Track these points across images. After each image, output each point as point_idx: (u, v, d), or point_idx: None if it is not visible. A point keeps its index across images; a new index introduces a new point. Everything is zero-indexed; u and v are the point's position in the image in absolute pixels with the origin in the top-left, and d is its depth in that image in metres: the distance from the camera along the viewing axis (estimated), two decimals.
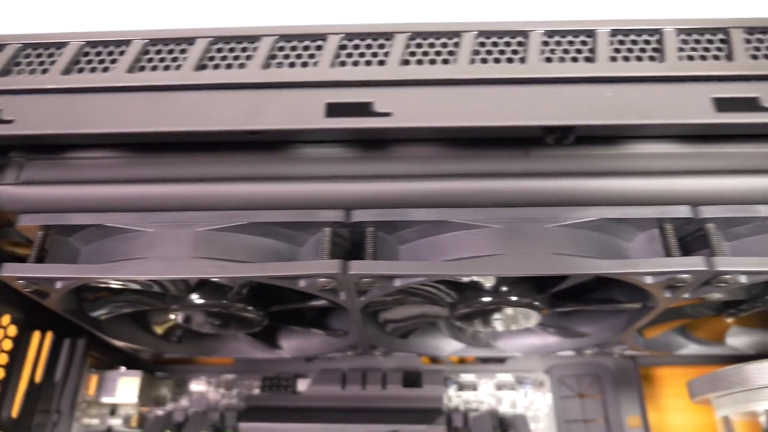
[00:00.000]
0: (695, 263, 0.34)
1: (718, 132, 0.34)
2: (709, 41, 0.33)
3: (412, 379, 0.53)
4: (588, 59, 0.33)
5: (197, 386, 0.56)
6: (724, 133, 0.35)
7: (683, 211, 0.36)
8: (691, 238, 0.38)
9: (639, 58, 0.33)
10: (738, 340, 0.52)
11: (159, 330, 0.50)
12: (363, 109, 0.31)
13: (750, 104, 0.31)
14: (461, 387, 0.56)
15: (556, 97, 0.31)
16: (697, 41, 0.33)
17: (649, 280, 0.35)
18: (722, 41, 0.33)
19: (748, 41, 0.33)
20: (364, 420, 0.50)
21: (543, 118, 0.31)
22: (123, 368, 0.54)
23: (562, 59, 0.33)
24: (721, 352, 0.53)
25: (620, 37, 0.34)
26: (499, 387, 0.56)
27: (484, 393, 0.56)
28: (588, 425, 0.54)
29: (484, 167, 0.35)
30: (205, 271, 0.34)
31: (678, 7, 0.37)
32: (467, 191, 0.35)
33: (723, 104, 0.31)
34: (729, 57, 0.33)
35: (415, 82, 0.32)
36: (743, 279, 0.35)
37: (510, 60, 0.33)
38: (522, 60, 0.32)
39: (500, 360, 0.57)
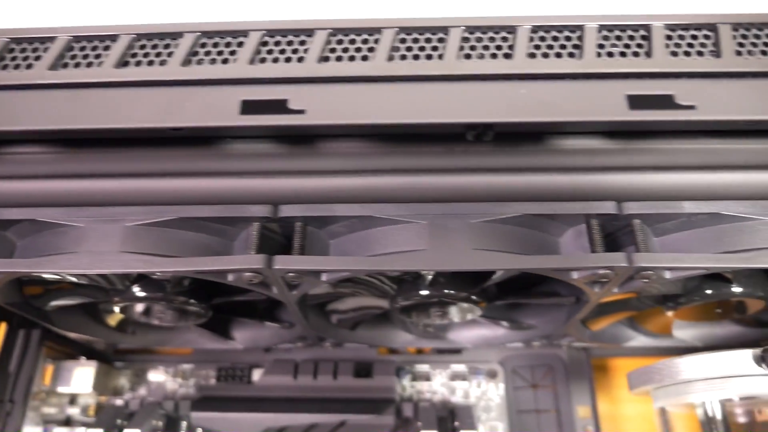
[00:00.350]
0: (616, 259, 0.34)
1: (641, 128, 0.35)
2: (630, 37, 0.33)
3: (363, 369, 0.53)
4: (507, 56, 0.33)
5: (155, 376, 0.57)
6: (647, 129, 0.35)
7: (608, 207, 0.36)
8: (622, 233, 0.38)
9: (559, 55, 0.33)
10: (685, 332, 0.52)
11: (112, 321, 0.51)
12: (278, 107, 0.31)
13: (664, 102, 0.31)
14: (415, 377, 0.56)
15: (474, 94, 0.32)
16: (618, 38, 0.33)
17: (575, 275, 0.36)
18: (643, 38, 0.33)
19: (669, 38, 0.33)
20: (314, 410, 0.51)
21: (460, 115, 0.31)
22: (83, 358, 0.55)
23: (481, 56, 0.33)
24: (670, 344, 0.54)
25: (541, 34, 0.34)
26: (453, 377, 0.56)
27: (437, 383, 0.56)
28: (540, 415, 0.55)
29: (409, 163, 0.35)
30: (131, 266, 0.35)
31: (601, 3, 0.37)
32: (393, 187, 0.35)
33: (637, 102, 0.31)
34: (648, 54, 0.33)
35: (333, 79, 0.32)
36: (668, 275, 0.36)
37: (429, 57, 0.33)
38: (440, 57, 0.33)
39: (456, 351, 0.57)
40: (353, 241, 0.37)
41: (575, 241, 0.37)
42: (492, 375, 0.57)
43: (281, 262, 0.34)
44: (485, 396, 0.56)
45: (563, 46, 0.33)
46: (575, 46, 0.33)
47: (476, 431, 0.46)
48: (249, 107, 0.31)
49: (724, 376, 0.38)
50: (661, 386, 0.42)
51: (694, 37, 0.34)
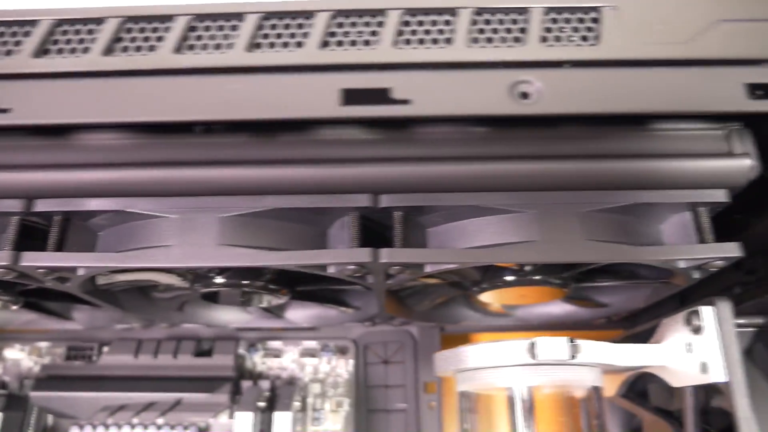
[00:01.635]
0: (361, 255, 0.34)
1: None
2: (361, 25, 0.32)
3: (203, 349, 0.54)
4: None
5: (11, 353, 0.58)
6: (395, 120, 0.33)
7: (363, 200, 0.35)
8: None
9: (286, 45, 0.31)
10: (525, 310, 0.52)
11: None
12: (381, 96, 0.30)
13: (379, 96, 0.30)
14: (266, 354, 0.57)
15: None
16: (340, 25, 0.32)
17: (331, 269, 0.35)
18: (376, 27, 0.32)
19: (406, 23, 0.32)
20: (153, 388, 0.52)
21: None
22: None
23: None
24: (510, 323, 0.54)
25: (274, 21, 0.32)
26: (303, 354, 0.57)
27: (288, 360, 0.57)
28: (388, 390, 0.56)
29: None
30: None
31: None
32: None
33: (351, 96, 0.30)
34: (367, 43, 0.31)
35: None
36: (428, 268, 0.35)
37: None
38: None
39: (311, 327, 0.58)
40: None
41: (339, 233, 0.37)
42: (343, 351, 0.57)
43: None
44: (334, 372, 0.56)
45: (293, 35, 0.32)
46: (303, 35, 0.31)
47: (289, 411, 0.46)
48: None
49: (503, 365, 0.38)
50: (458, 371, 0.42)
51: (434, 23, 0.32)
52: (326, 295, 0.47)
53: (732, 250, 0.34)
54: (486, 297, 0.44)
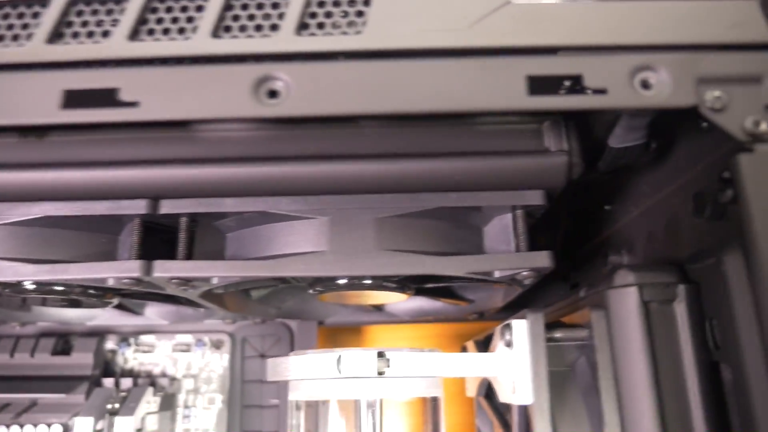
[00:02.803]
0: (132, 269, 0.31)
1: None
2: (100, 16, 0.28)
3: (61, 347, 0.51)
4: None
5: None
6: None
7: (140, 207, 0.31)
8: None
9: (16, 38, 0.28)
10: (395, 306, 0.49)
11: None
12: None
13: (104, 98, 0.26)
14: (138, 349, 0.55)
15: None
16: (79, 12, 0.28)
17: (110, 282, 0.32)
18: (121, 12, 0.28)
19: (153, 10, 0.28)
20: (8, 389, 0.50)
21: None
22: None
23: None
24: (383, 318, 0.51)
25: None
26: (176, 348, 0.55)
27: (161, 355, 0.55)
28: (263, 385, 0.54)
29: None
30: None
31: None
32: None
33: (73, 98, 0.26)
34: (106, 34, 0.27)
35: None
36: (215, 280, 0.32)
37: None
38: None
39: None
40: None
41: (127, 238, 0.34)
42: (218, 346, 0.55)
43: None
44: (208, 367, 0.54)
45: (25, 26, 0.28)
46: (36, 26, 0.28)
47: (131, 416, 0.44)
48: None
49: (316, 378, 0.35)
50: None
51: (184, 9, 0.28)
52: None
53: (541, 260, 0.31)
54: (328, 298, 0.41)
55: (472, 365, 0.34)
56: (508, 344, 0.32)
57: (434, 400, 0.38)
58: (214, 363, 0.54)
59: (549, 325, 0.33)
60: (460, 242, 0.33)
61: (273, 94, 0.26)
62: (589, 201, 0.45)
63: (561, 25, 0.27)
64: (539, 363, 0.31)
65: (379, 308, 0.50)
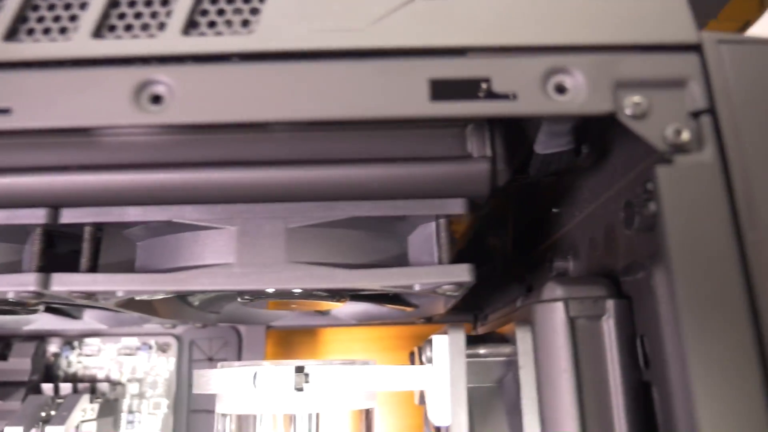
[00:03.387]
0: (27, 281, 0.29)
1: None
2: None
3: (1, 351, 0.50)
4: None
5: None
6: None
7: (39, 216, 0.30)
8: None
9: None
10: (341, 311, 0.48)
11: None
12: None
13: None
14: (82, 353, 0.53)
15: None
16: None
17: (10, 295, 0.30)
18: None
19: (35, 8, 0.25)
20: None
21: None
22: None
23: None
24: (329, 322, 0.49)
25: None
26: (121, 352, 0.53)
27: (106, 358, 0.53)
28: None
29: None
30: None
31: None
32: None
33: None
34: None
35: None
36: (120, 293, 0.30)
37: None
38: None
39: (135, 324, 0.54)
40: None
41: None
42: (164, 349, 0.53)
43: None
44: (154, 371, 0.53)
45: None
46: None
47: (61, 426, 0.43)
48: None
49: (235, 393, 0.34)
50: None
51: (67, 6, 0.26)
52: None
53: (460, 275, 0.29)
54: (261, 304, 0.39)
55: (395, 379, 0.32)
56: (429, 360, 0.30)
57: (367, 412, 0.37)
58: (160, 367, 0.53)
59: (476, 339, 0.32)
60: (381, 253, 0.31)
61: (156, 99, 0.24)
62: (538, 202, 0.43)
63: (469, 24, 0.24)
64: (459, 381, 0.29)
65: (324, 312, 0.49)
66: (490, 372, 0.31)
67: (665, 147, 0.23)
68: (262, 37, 0.24)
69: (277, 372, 0.32)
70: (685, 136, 0.23)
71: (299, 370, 0.32)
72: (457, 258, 0.30)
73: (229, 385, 0.34)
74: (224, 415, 0.37)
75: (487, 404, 0.31)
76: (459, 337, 0.29)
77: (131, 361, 0.53)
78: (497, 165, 0.29)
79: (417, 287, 0.30)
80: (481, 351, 0.30)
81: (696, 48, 0.24)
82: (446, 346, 0.30)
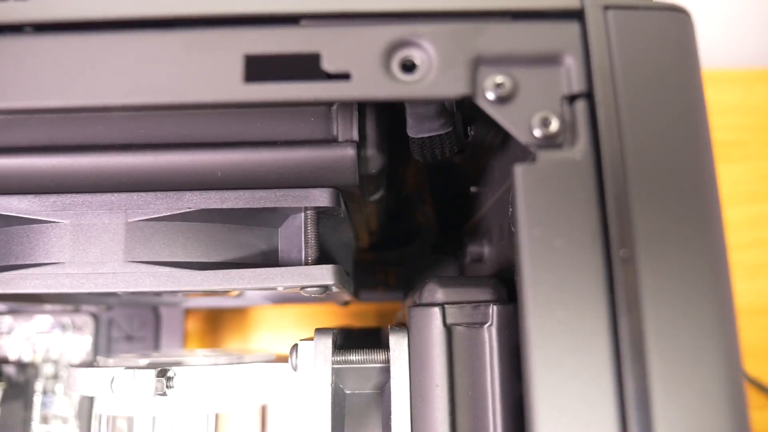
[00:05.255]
0: None
1: None
2: None
3: None
4: None
5: None
6: None
7: None
8: None
9: None
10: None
11: None
12: None
13: None
14: None
15: None
16: None
17: None
18: None
19: None
20: None
21: None
22: None
23: None
24: (244, 303, 0.46)
25: None
26: (35, 331, 0.50)
27: (18, 338, 0.51)
28: None
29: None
30: None
31: None
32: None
33: None
34: None
35: None
36: None
37: None
38: None
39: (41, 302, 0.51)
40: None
41: None
42: (80, 327, 0.50)
43: None
44: (69, 351, 0.50)
45: None
46: None
47: None
48: None
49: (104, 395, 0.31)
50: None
51: None
52: None
53: (322, 277, 0.25)
54: None
55: (258, 383, 0.29)
56: (294, 368, 0.27)
57: (262, 409, 0.34)
58: (76, 346, 0.50)
59: (350, 344, 0.28)
60: (243, 248, 0.27)
61: None
62: (458, 180, 0.39)
63: None
64: (323, 391, 0.26)
65: (239, 294, 0.46)
66: (369, 378, 0.28)
67: (528, 139, 0.19)
68: (37, 4, 0.20)
69: (136, 377, 0.29)
70: (554, 126, 0.19)
71: (161, 374, 0.29)
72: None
73: (91, 386, 0.31)
74: (98, 414, 0.34)
75: (365, 412, 0.28)
76: (325, 343, 0.26)
77: (45, 341, 0.50)
78: (367, 150, 0.25)
79: (280, 288, 0.26)
80: (353, 357, 0.27)
81: (576, 14, 0.20)
82: (311, 353, 0.26)
